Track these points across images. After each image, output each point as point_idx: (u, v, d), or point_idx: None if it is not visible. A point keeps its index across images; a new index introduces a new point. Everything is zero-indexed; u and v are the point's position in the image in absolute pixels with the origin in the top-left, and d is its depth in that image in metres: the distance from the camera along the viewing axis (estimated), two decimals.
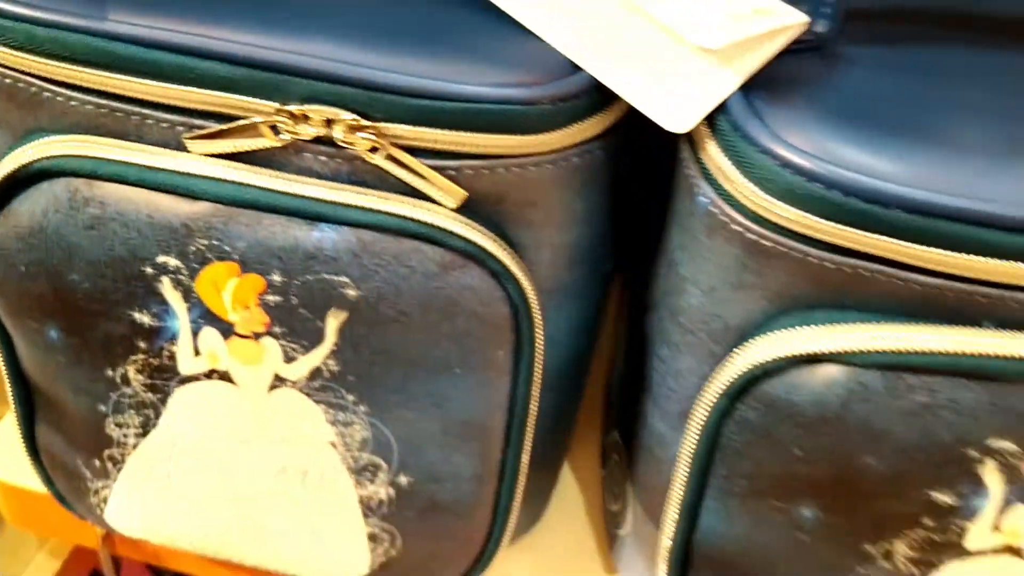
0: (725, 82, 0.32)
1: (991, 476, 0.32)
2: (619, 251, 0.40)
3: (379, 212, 0.33)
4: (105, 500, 0.41)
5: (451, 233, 0.33)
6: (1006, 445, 0.31)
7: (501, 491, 0.39)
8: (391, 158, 0.32)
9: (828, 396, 0.32)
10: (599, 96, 0.33)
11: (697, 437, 0.34)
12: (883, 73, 0.34)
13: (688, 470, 0.35)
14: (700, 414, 0.34)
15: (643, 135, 0.35)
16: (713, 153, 0.32)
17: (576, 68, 0.33)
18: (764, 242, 0.31)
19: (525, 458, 0.39)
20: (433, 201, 0.33)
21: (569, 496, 0.48)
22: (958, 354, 0.30)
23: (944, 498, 0.33)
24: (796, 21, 0.33)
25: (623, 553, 0.43)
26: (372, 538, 0.40)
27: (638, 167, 0.38)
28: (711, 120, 0.32)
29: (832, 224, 0.30)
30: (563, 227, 0.35)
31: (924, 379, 0.31)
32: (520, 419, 0.38)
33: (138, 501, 0.40)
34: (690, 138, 0.33)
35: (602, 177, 0.35)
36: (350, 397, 0.36)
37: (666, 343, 0.36)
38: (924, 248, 0.30)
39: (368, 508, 0.39)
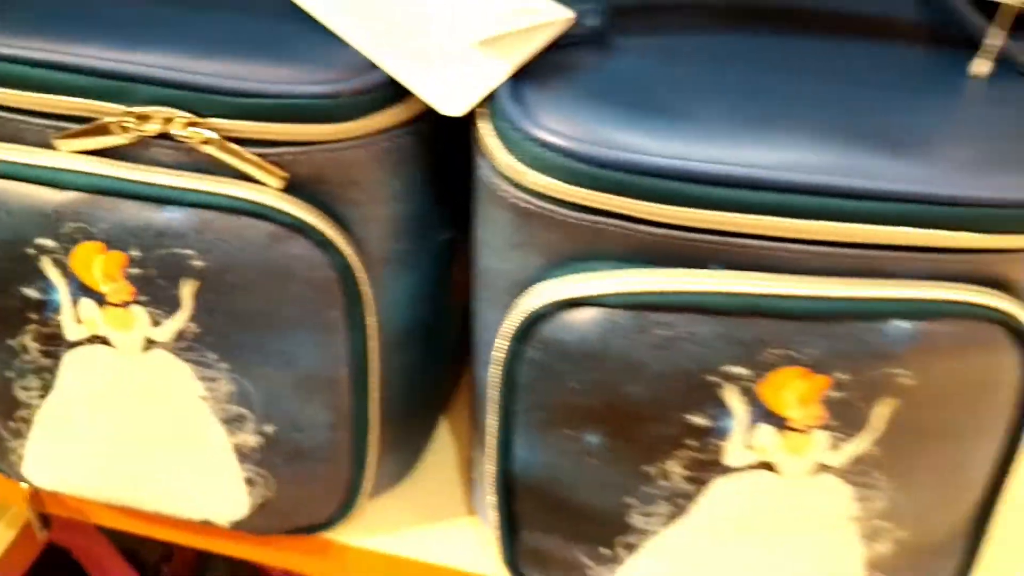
0: (494, 72, 0.38)
1: (732, 399, 0.37)
2: (458, 222, 0.46)
3: (214, 194, 0.39)
4: (21, 457, 0.47)
5: (277, 209, 0.39)
6: (740, 371, 0.37)
7: (356, 440, 0.45)
8: (222, 148, 0.39)
9: (589, 335, 0.37)
10: (397, 89, 0.39)
11: (498, 378, 0.40)
12: (650, 60, 0.39)
13: (496, 408, 0.41)
14: (497, 357, 0.40)
15: (461, 121, 0.41)
16: (485, 133, 0.38)
17: (375, 65, 0.39)
18: (528, 207, 0.37)
19: (374, 408, 0.45)
20: (261, 183, 0.39)
21: (447, 448, 0.53)
22: (690, 292, 0.36)
23: (699, 420, 0.38)
24: (560, 17, 0.38)
25: (477, 494, 0.49)
26: (248, 481, 0.46)
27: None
28: (485, 105, 0.38)
29: (579, 189, 0.36)
30: (383, 203, 0.41)
31: (664, 316, 0.36)
32: (362, 373, 0.43)
33: (47, 455, 0.47)
34: (473, 121, 0.39)
35: (416, 158, 0.41)
36: (212, 355, 0.42)
37: (477, 299, 0.42)
38: (655, 205, 0.35)
39: (242, 454, 0.45)
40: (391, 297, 0.44)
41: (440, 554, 0.49)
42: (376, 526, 0.49)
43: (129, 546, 0.88)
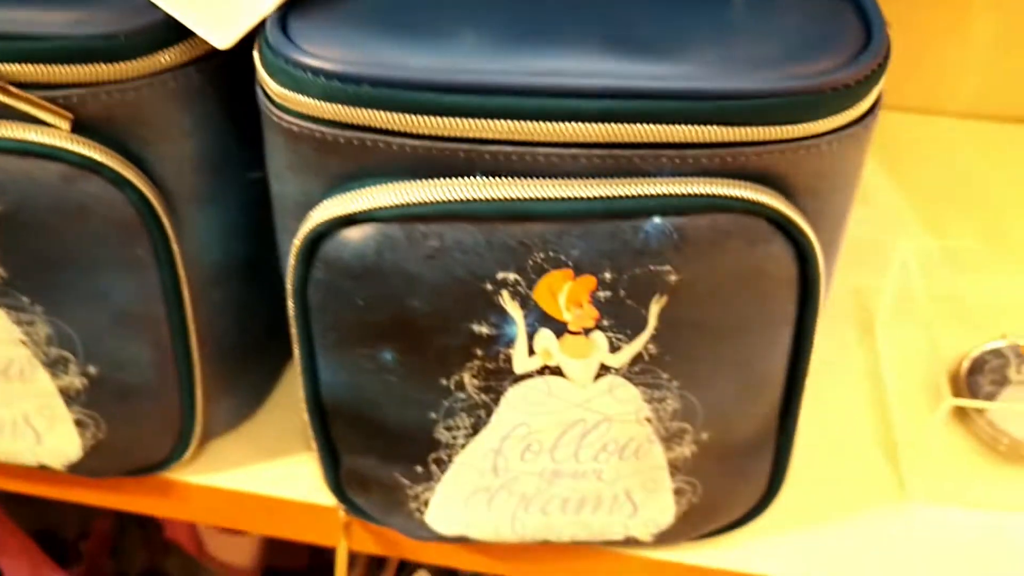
0: (262, 4, 0.39)
1: (509, 305, 0.39)
2: None
3: (3, 138, 0.40)
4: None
5: (66, 150, 0.40)
6: (511, 276, 0.38)
7: (182, 377, 0.47)
8: (4, 91, 0.40)
9: (365, 250, 0.38)
10: (180, 27, 0.40)
11: (293, 302, 0.41)
12: None
13: (296, 332, 0.42)
14: (290, 282, 0.41)
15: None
16: (257, 61, 0.39)
17: (157, 6, 0.40)
18: (297, 129, 0.38)
19: (195, 345, 0.46)
20: (51, 125, 0.41)
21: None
22: (453, 201, 0.37)
23: (482, 329, 0.39)
24: None
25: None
26: (79, 424, 0.47)
27: None
28: (258, 36, 0.39)
29: (339, 107, 0.37)
30: (175, 140, 0.43)
31: (432, 226, 0.38)
32: (178, 308, 0.45)
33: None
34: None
35: (206, 95, 0.43)
36: (25, 299, 0.44)
37: (276, 228, 0.44)
38: (413, 117, 0.37)
39: (68, 397, 0.46)
40: (200, 233, 0.45)
41: (281, 488, 0.50)
42: (219, 464, 0.51)
43: (46, 525, 0.89)
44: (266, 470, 0.51)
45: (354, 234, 0.38)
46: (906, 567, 0.48)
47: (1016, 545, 0.49)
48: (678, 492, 0.45)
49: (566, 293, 0.39)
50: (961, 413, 0.54)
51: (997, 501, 0.50)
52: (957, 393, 0.55)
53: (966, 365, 0.56)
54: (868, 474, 0.52)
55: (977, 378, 0.55)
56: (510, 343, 0.40)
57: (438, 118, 0.37)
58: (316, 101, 0.37)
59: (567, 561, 0.50)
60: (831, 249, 0.42)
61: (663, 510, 0.46)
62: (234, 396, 0.51)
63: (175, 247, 0.43)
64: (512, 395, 0.41)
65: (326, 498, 0.49)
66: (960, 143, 0.77)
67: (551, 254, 0.38)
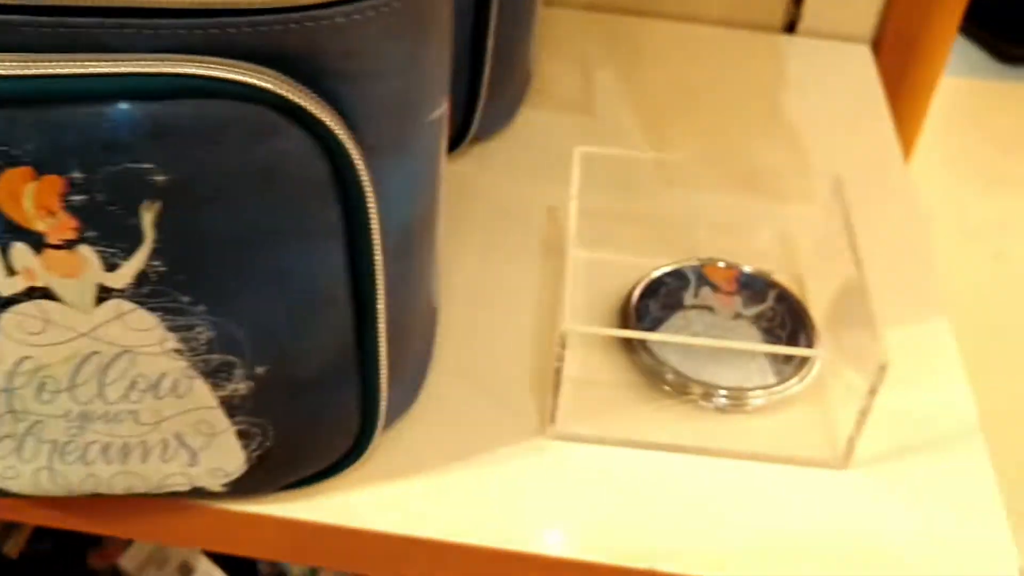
0: None
1: None
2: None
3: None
4: None
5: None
6: None
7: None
8: None
9: None
10: None
11: None
12: None
13: None
14: None
15: None
16: None
17: None
18: None
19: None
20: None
21: None
22: None
23: None
24: None
25: None
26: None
27: None
28: None
29: None
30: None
31: None
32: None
33: None
34: None
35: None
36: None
37: None
38: None
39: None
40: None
41: None
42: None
43: None
44: None
45: None
46: (544, 514, 0.43)
47: (670, 486, 0.44)
48: (244, 435, 0.39)
49: (31, 197, 0.32)
50: (627, 344, 0.49)
51: (653, 439, 0.46)
52: (624, 321, 0.50)
53: (640, 289, 0.51)
54: (516, 410, 0.47)
55: (648, 303, 0.50)
56: None
57: None
58: None
59: (133, 516, 0.43)
60: (394, 151, 0.36)
61: (229, 456, 0.39)
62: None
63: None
64: (5, 323, 0.34)
65: None
66: (712, 51, 0.72)
67: (2, 148, 0.31)
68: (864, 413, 0.43)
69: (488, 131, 0.61)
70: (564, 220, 0.56)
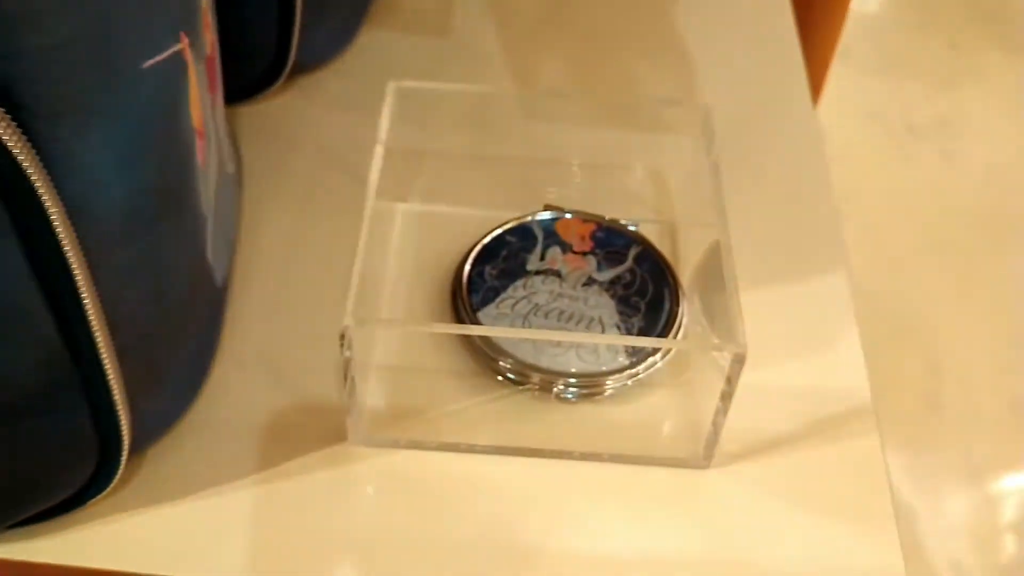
0: None
1: None
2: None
3: None
4: None
5: None
6: None
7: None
8: None
9: None
10: None
11: None
12: None
13: None
14: None
15: None
16: None
17: None
18: None
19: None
20: None
21: None
22: None
23: None
24: None
25: None
26: None
27: None
28: None
29: None
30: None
31: None
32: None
33: None
34: None
35: None
36: None
37: None
38: None
39: None
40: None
41: None
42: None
43: None
44: None
45: None
46: (341, 544, 0.35)
47: (500, 497, 0.37)
48: None
49: None
50: (457, 324, 0.41)
51: (483, 440, 0.38)
52: (453, 294, 0.42)
53: (476, 252, 0.43)
54: (318, 411, 0.39)
55: (484, 268, 0.42)
56: None
57: None
58: None
59: None
60: (85, 115, 0.27)
61: None
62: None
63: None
64: None
65: None
66: None
67: None
68: (721, 412, 0.36)
69: (317, 57, 0.52)
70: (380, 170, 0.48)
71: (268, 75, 0.49)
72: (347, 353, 0.35)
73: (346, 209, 0.46)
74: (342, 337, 0.34)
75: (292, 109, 0.51)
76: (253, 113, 0.50)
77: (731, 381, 0.35)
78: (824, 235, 0.47)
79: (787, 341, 0.42)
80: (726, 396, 0.35)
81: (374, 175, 0.40)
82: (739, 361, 0.34)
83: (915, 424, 1.05)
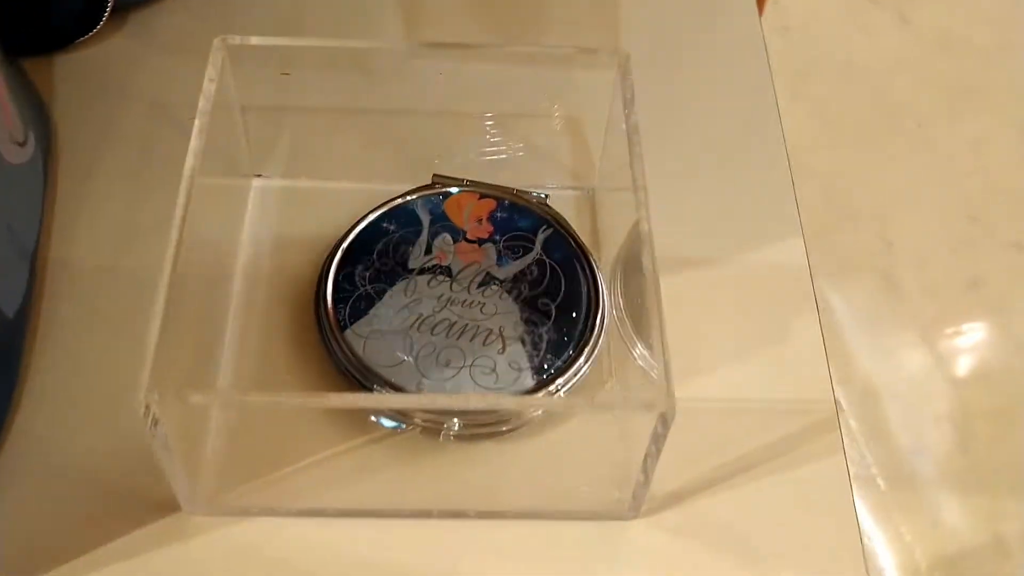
0: None
1: None
2: None
3: None
4: None
5: None
6: None
7: None
8: None
9: None
10: None
11: None
12: None
13: None
14: None
15: None
16: None
17: None
18: None
19: None
20: None
21: None
22: None
23: None
24: None
25: None
26: None
27: None
28: None
29: None
30: None
31: None
32: None
33: None
34: None
35: None
36: None
37: None
38: None
39: None
40: None
41: None
42: None
43: None
44: None
45: None
46: None
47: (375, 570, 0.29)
48: None
49: None
50: (325, 346, 0.33)
51: (349, 503, 0.30)
52: (315, 308, 0.33)
53: (343, 248, 0.34)
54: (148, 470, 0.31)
55: (355, 270, 0.34)
56: None
57: None
58: None
59: None
60: None
61: None
62: None
63: None
64: None
65: None
66: None
67: None
68: (648, 468, 0.28)
69: None
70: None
71: (87, 12, 0.39)
72: (152, 430, 0.26)
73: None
74: (145, 413, 0.26)
75: (119, 55, 0.41)
76: (70, 62, 0.40)
77: (657, 442, 0.27)
78: (777, 207, 0.39)
79: (736, 341, 0.35)
80: (649, 460, 0.28)
81: (190, 163, 0.30)
82: (663, 421, 0.26)
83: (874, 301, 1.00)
